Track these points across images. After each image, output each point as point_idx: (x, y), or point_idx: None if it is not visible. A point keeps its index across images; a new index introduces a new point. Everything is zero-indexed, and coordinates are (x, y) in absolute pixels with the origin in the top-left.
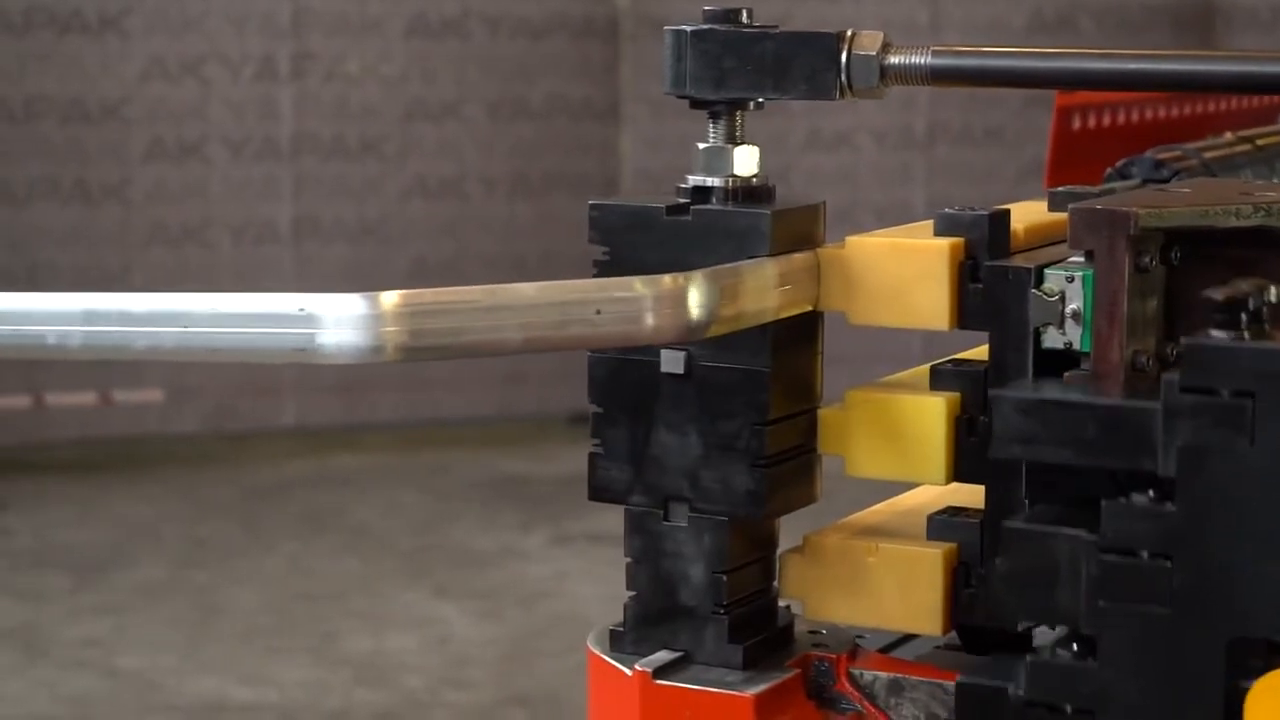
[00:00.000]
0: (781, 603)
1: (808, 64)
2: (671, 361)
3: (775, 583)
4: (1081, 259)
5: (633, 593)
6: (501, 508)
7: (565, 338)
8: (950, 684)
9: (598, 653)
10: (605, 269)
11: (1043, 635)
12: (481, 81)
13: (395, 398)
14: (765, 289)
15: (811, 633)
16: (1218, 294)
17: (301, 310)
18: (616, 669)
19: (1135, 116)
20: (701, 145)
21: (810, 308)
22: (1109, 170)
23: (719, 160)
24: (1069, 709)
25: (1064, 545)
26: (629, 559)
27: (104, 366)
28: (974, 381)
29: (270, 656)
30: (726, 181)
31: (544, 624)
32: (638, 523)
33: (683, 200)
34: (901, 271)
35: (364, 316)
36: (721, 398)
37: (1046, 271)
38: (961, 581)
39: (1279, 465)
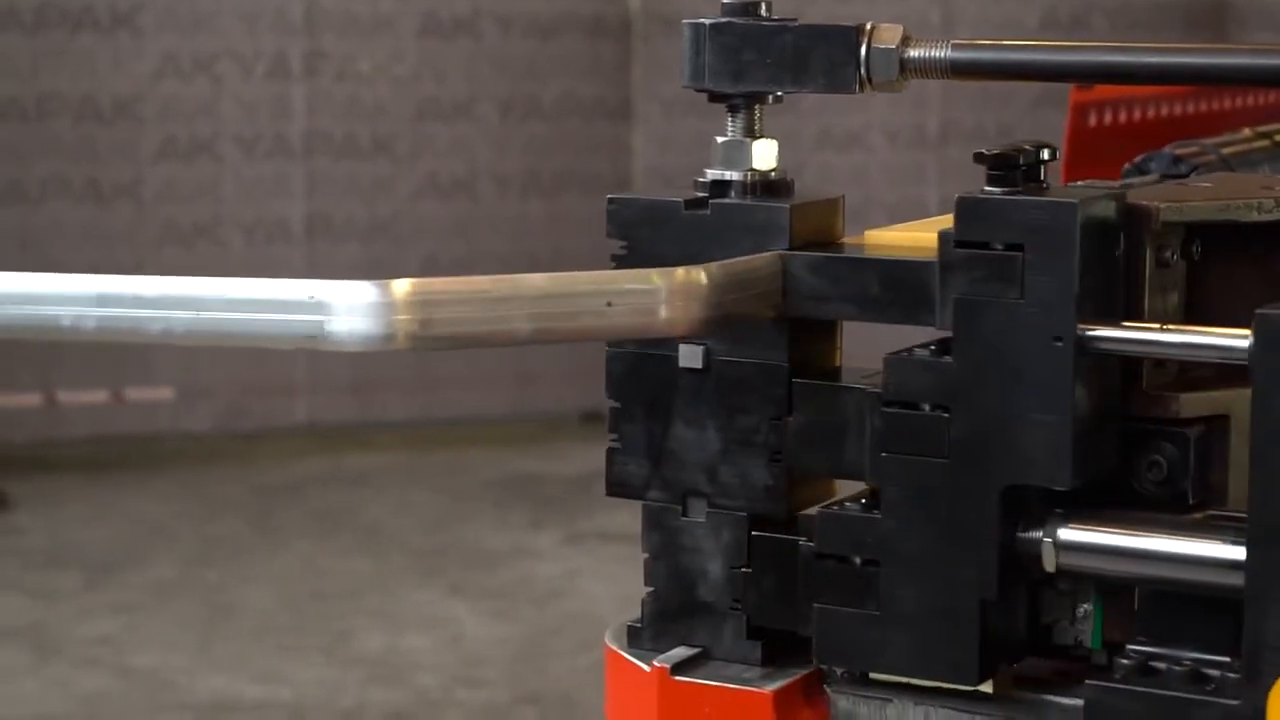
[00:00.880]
0: None
1: (827, 57)
2: (690, 356)
3: None
4: None
5: (650, 589)
6: (514, 506)
7: (576, 329)
8: None
9: (616, 649)
10: (623, 264)
11: None
12: (493, 80)
13: (407, 397)
14: (779, 282)
15: None
16: (991, 150)
17: (312, 297)
18: (634, 665)
19: (1150, 113)
20: (720, 139)
21: None
22: (1127, 166)
23: (738, 154)
24: (858, 560)
25: (851, 400)
26: (647, 555)
27: (116, 364)
28: None
29: (282, 655)
30: (745, 176)
31: (556, 623)
32: (656, 518)
33: (700, 194)
34: None
35: (375, 304)
36: (739, 393)
37: None
38: None
39: (1048, 317)
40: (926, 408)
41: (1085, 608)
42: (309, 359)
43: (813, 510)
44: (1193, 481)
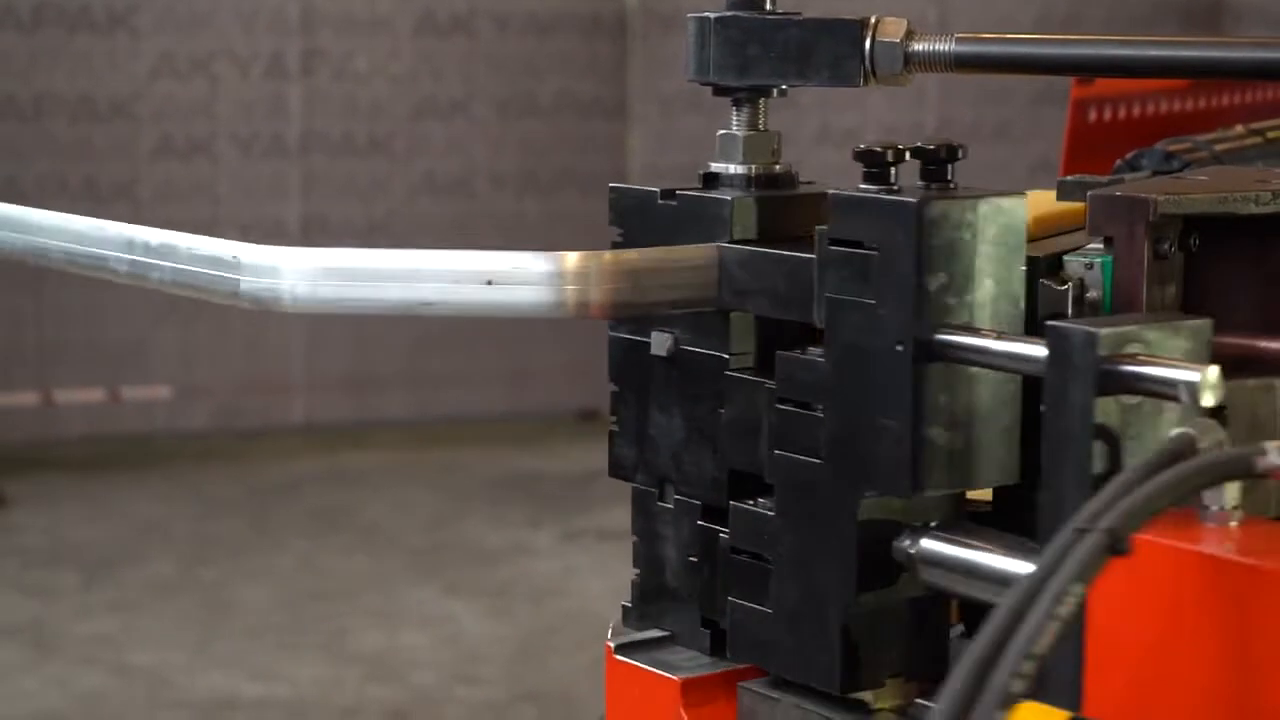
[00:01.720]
0: None
1: (831, 51)
2: (659, 344)
3: None
4: (1100, 246)
5: (636, 570)
6: (511, 505)
7: (459, 304)
8: None
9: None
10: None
11: None
12: (490, 79)
13: (404, 395)
14: (714, 274)
15: None
16: (863, 146)
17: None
18: (608, 645)
19: (1150, 109)
20: (722, 132)
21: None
22: (1119, 162)
23: (741, 147)
24: (759, 557)
25: (762, 395)
26: (634, 537)
27: (113, 363)
28: None
29: (281, 653)
30: (749, 169)
31: (554, 620)
32: (640, 502)
33: (681, 187)
34: None
35: (273, 267)
36: (694, 382)
37: (1065, 258)
38: None
39: (892, 320)
40: (819, 408)
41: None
42: (305, 358)
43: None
44: None
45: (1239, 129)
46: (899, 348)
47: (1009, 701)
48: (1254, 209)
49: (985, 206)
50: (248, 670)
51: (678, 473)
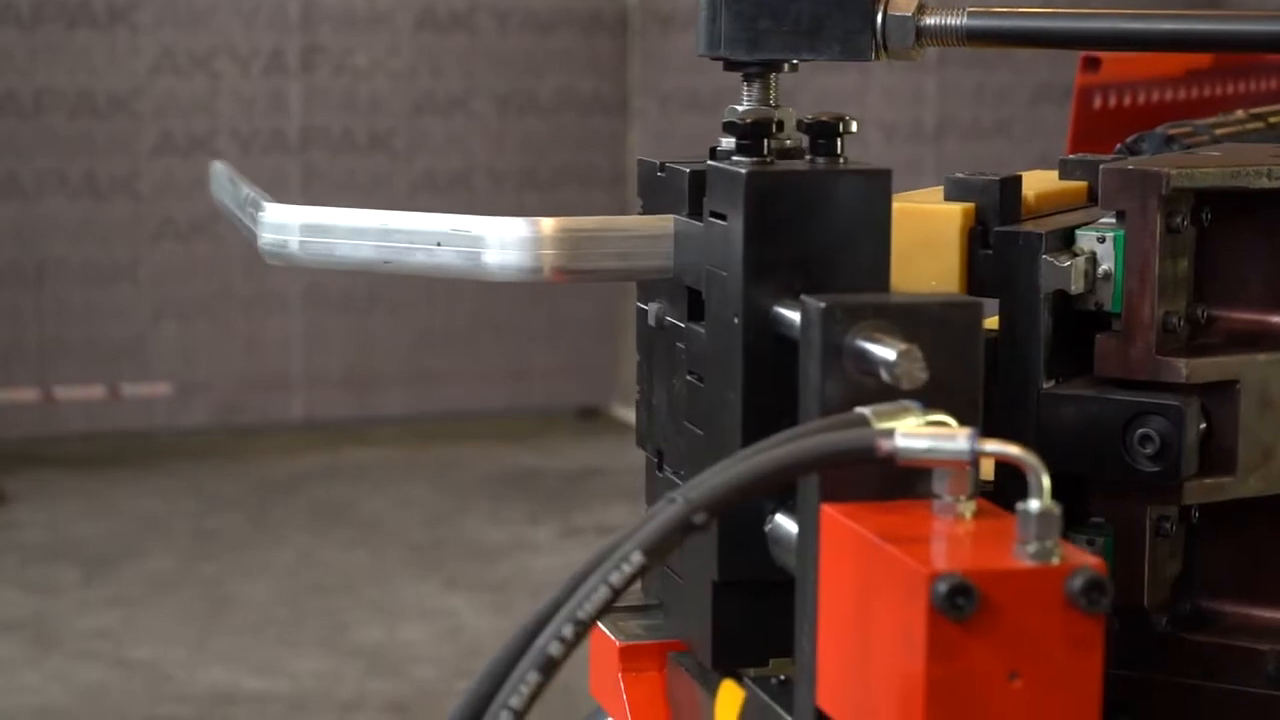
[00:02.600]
0: None
1: (842, 25)
2: (651, 314)
3: None
4: (1112, 220)
5: None
6: (511, 501)
7: (410, 264)
8: None
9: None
10: None
11: None
12: (490, 75)
13: (404, 392)
14: (670, 245)
15: None
16: (733, 117)
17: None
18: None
19: (1155, 97)
20: (735, 107)
21: None
22: (1119, 146)
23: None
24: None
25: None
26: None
27: (112, 359)
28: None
29: (282, 648)
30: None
31: None
32: (648, 470)
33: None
34: (911, 237)
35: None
36: (670, 354)
37: (1078, 232)
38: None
39: (727, 292)
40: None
41: None
42: (305, 354)
43: None
44: (1187, 455)
45: (1240, 113)
46: (735, 320)
47: (547, 665)
48: (1266, 183)
49: (843, 183)
50: (248, 665)
51: (666, 444)
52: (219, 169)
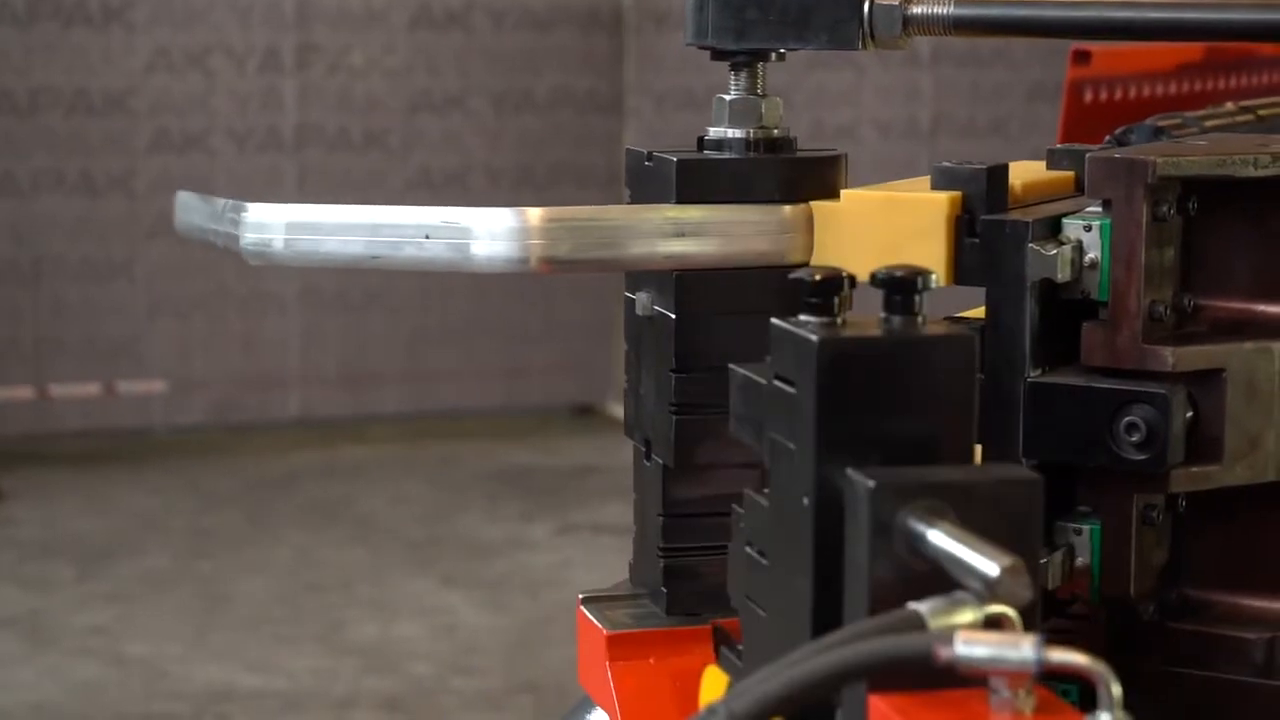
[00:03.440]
0: None
1: (830, 14)
2: (640, 304)
3: None
4: (1099, 208)
5: (636, 526)
6: (507, 498)
7: (399, 259)
8: None
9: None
10: None
11: None
12: (485, 74)
13: (400, 389)
14: (619, 234)
15: None
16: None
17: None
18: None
19: (1146, 91)
20: (723, 96)
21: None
22: (1108, 138)
23: (739, 111)
24: None
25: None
26: (634, 493)
27: (108, 357)
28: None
29: (278, 645)
30: (747, 133)
31: (549, 612)
32: (636, 459)
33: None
34: (898, 226)
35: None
36: (659, 343)
37: (1064, 221)
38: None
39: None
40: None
41: None
42: (302, 352)
43: None
44: (1173, 443)
45: (1230, 106)
46: (805, 501)
47: None
48: (1253, 172)
49: (924, 349)
50: (244, 661)
51: (653, 432)
52: (184, 197)
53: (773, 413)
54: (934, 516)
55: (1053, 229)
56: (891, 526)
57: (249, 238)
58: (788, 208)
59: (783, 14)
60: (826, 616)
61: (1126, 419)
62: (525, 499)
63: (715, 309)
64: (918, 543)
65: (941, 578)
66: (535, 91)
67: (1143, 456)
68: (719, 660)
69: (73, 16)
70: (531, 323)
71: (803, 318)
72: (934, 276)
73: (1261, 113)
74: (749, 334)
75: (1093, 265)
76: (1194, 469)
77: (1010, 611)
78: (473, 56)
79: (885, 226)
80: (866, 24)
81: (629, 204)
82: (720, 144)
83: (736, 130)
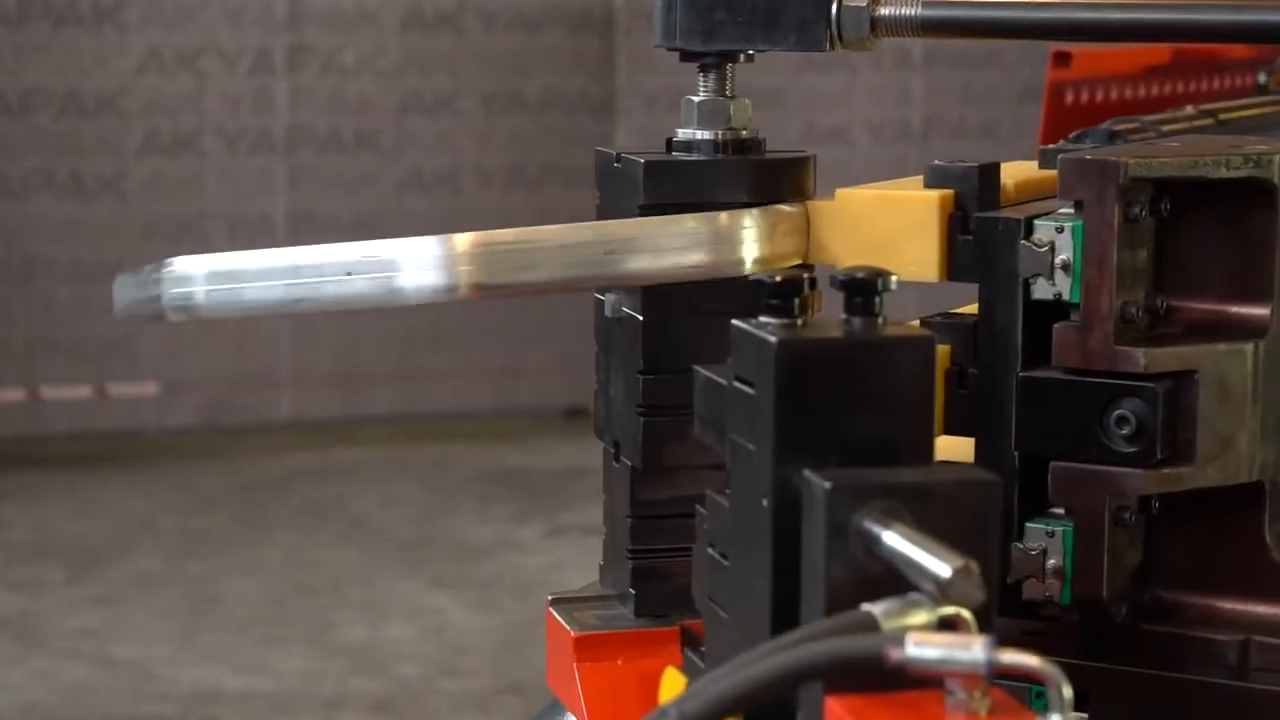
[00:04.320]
0: None
1: (798, 15)
2: (608, 305)
3: None
4: (1071, 210)
5: (606, 528)
6: (498, 500)
7: (323, 299)
8: None
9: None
10: (599, 212)
11: None
12: (477, 75)
13: (392, 391)
14: (549, 257)
15: None
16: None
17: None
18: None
19: (1127, 93)
20: (691, 98)
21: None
22: (1062, 141)
23: (707, 113)
24: None
25: None
26: (604, 495)
27: (99, 359)
28: (964, 334)
29: (267, 646)
30: (716, 134)
31: (539, 614)
32: (605, 461)
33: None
34: (891, 223)
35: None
36: (627, 344)
37: (1036, 222)
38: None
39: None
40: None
41: None
42: (293, 354)
43: None
44: (1162, 437)
45: (1189, 109)
46: (764, 502)
47: None
48: (1225, 173)
49: (885, 350)
50: (232, 663)
51: (622, 434)
52: (121, 278)
53: (733, 414)
54: (890, 518)
55: None
56: (848, 528)
57: (170, 293)
58: (724, 216)
59: (750, 15)
60: (785, 618)
61: (1117, 413)
62: (516, 500)
63: (683, 311)
64: (873, 544)
65: (898, 579)
66: (526, 92)
67: (1132, 449)
68: (684, 662)
69: (64, 17)
70: (523, 324)
71: (763, 319)
72: (894, 278)
73: (1222, 117)
74: (717, 336)
75: (1065, 267)
76: (1166, 470)
77: (965, 613)
78: (464, 57)
79: (879, 224)
80: (834, 25)
81: (597, 204)
82: (689, 145)
83: (705, 132)
